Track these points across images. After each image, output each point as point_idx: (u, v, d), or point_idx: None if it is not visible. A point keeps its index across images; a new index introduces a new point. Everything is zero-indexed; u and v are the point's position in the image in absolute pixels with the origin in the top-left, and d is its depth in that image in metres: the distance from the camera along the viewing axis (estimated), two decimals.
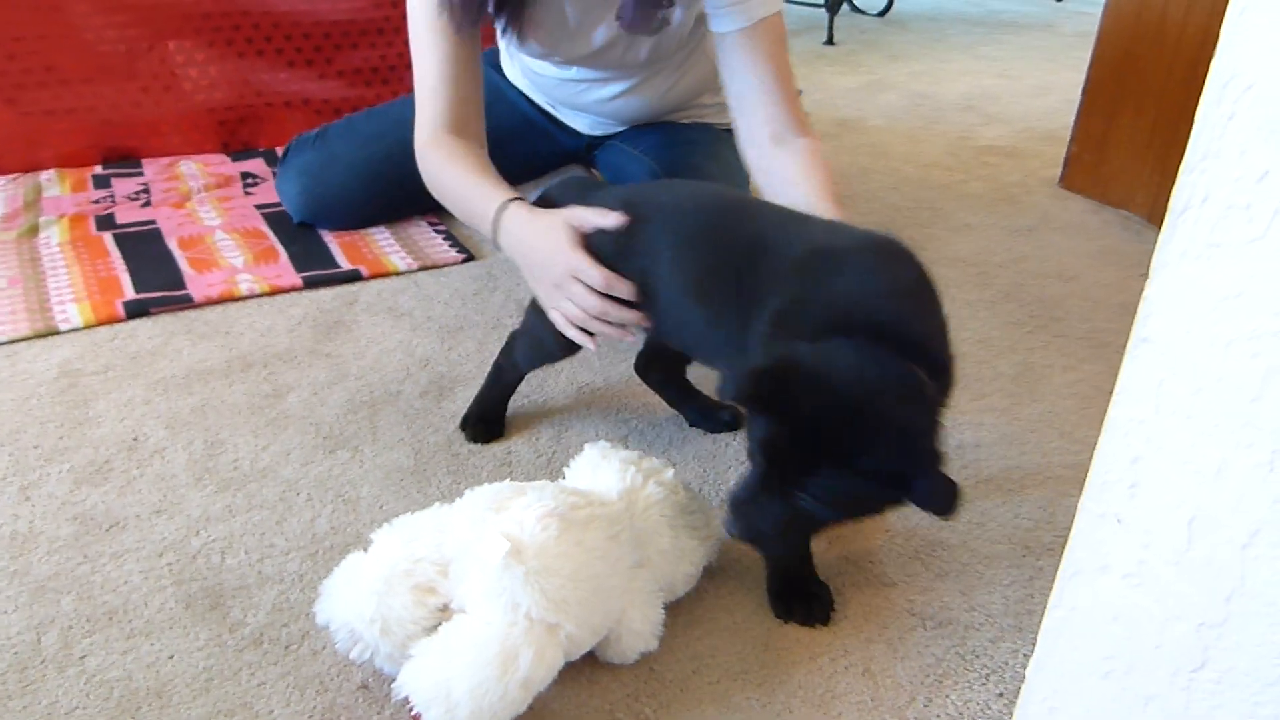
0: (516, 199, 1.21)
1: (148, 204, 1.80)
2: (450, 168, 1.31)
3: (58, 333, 1.41)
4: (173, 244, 1.65)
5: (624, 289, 1.05)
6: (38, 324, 1.40)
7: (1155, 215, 2.00)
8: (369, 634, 0.84)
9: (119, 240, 1.64)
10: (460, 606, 0.84)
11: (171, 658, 0.92)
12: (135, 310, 1.45)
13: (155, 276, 1.54)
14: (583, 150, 1.78)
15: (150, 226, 1.70)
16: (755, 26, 1.28)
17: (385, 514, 1.11)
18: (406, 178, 1.70)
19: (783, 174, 1.24)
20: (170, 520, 1.09)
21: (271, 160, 2.01)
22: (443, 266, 1.66)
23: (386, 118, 1.75)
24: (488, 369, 1.36)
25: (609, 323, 1.08)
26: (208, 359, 1.38)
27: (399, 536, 0.88)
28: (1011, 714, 0.91)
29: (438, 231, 1.76)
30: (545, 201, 1.19)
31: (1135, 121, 2.03)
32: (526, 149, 1.76)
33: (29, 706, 0.86)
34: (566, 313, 1.10)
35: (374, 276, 1.61)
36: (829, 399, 0.80)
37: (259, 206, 1.81)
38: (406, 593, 0.84)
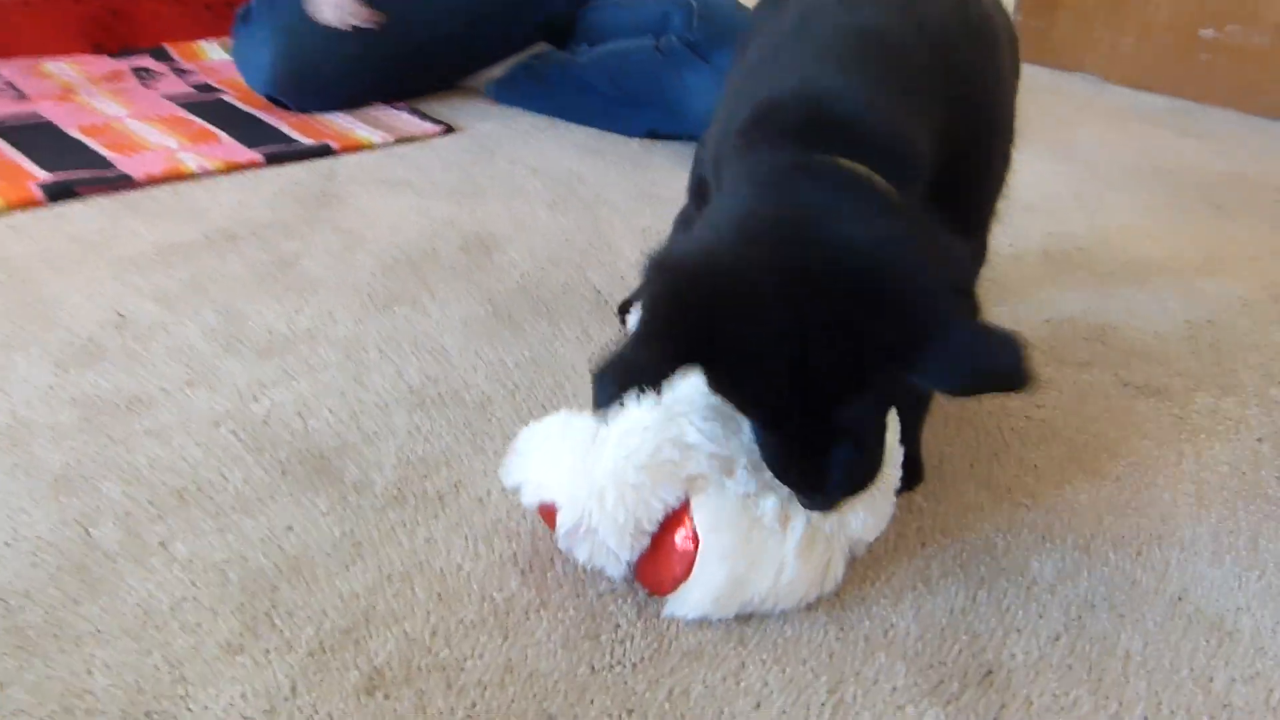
0: None
1: (23, 96, 1.44)
2: None
3: None
4: (74, 131, 1.31)
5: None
6: None
7: (1109, 73, 1.98)
8: (614, 537, 0.60)
9: (1, 132, 1.30)
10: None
11: (290, 529, 0.66)
12: (58, 192, 1.13)
13: (68, 159, 1.21)
14: (565, 9, 1.58)
15: (36, 119, 1.35)
16: None
17: (484, 360, 0.88)
18: (413, 39, 1.51)
19: None
20: (211, 391, 0.81)
21: (162, 56, 1.68)
22: (421, 139, 1.40)
23: None
24: (524, 228, 1.15)
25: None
26: (178, 235, 1.08)
27: (655, 412, 0.61)
28: None
29: (401, 109, 1.50)
30: None
31: None
32: (500, 29, 1.59)
33: (112, 605, 0.59)
34: None
35: (345, 150, 1.34)
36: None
37: (168, 97, 1.49)
38: (672, 488, 0.60)
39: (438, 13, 1.53)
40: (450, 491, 0.71)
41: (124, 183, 1.17)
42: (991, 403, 0.85)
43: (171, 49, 1.71)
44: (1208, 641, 0.60)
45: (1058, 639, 0.60)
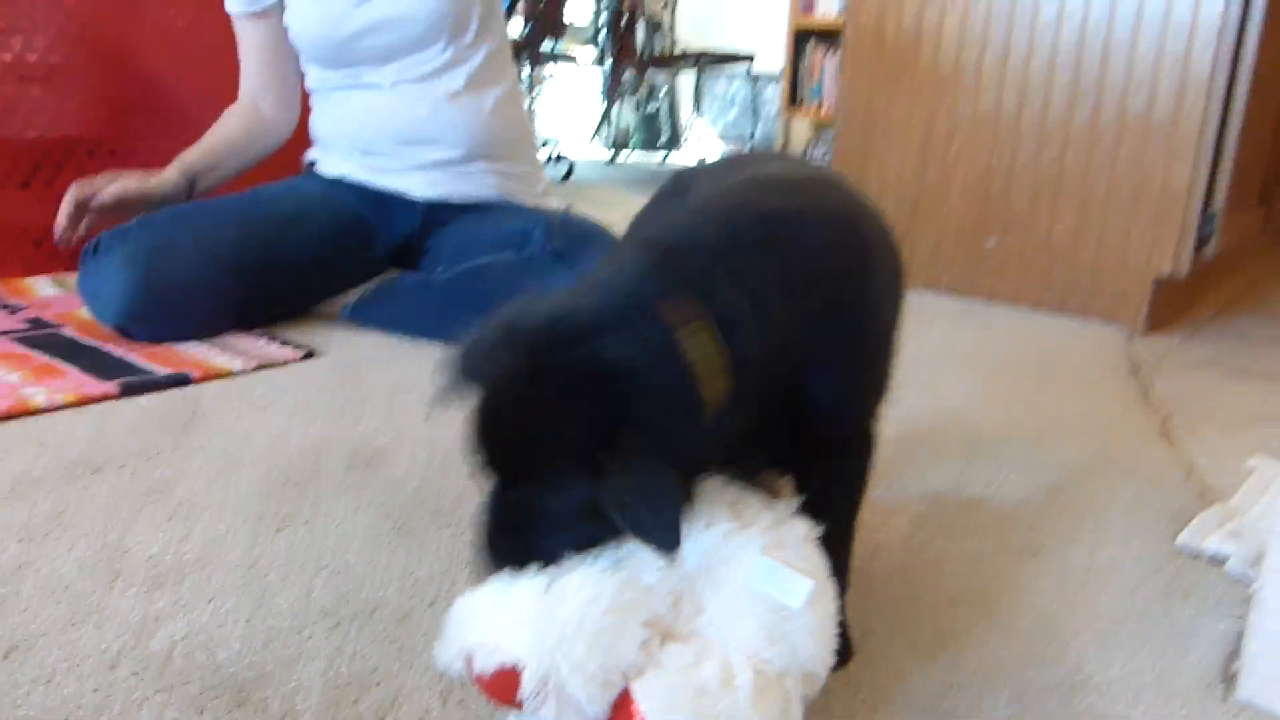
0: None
1: None
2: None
3: None
4: None
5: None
6: None
7: (911, 278, 2.21)
8: (582, 690, 0.58)
9: None
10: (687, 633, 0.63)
11: None
12: None
13: None
14: (415, 234, 1.64)
15: None
16: None
17: (393, 574, 0.85)
18: (284, 260, 1.56)
19: None
20: (99, 630, 0.74)
21: None
22: (283, 364, 1.38)
23: (238, 201, 1.57)
24: (406, 442, 1.15)
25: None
26: (33, 469, 1.01)
27: (601, 561, 0.63)
28: None
29: (258, 335, 1.48)
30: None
31: (880, 203, 2.24)
32: (352, 257, 1.67)
33: None
34: None
35: (206, 378, 1.30)
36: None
37: (2, 333, 1.41)
38: (638, 630, 0.60)
39: (289, 240, 1.57)
40: (388, 709, 0.67)
41: None
42: (899, 575, 0.89)
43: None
44: None
45: None
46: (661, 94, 5.70)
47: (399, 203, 1.65)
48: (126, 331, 1.41)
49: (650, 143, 5.70)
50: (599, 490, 0.58)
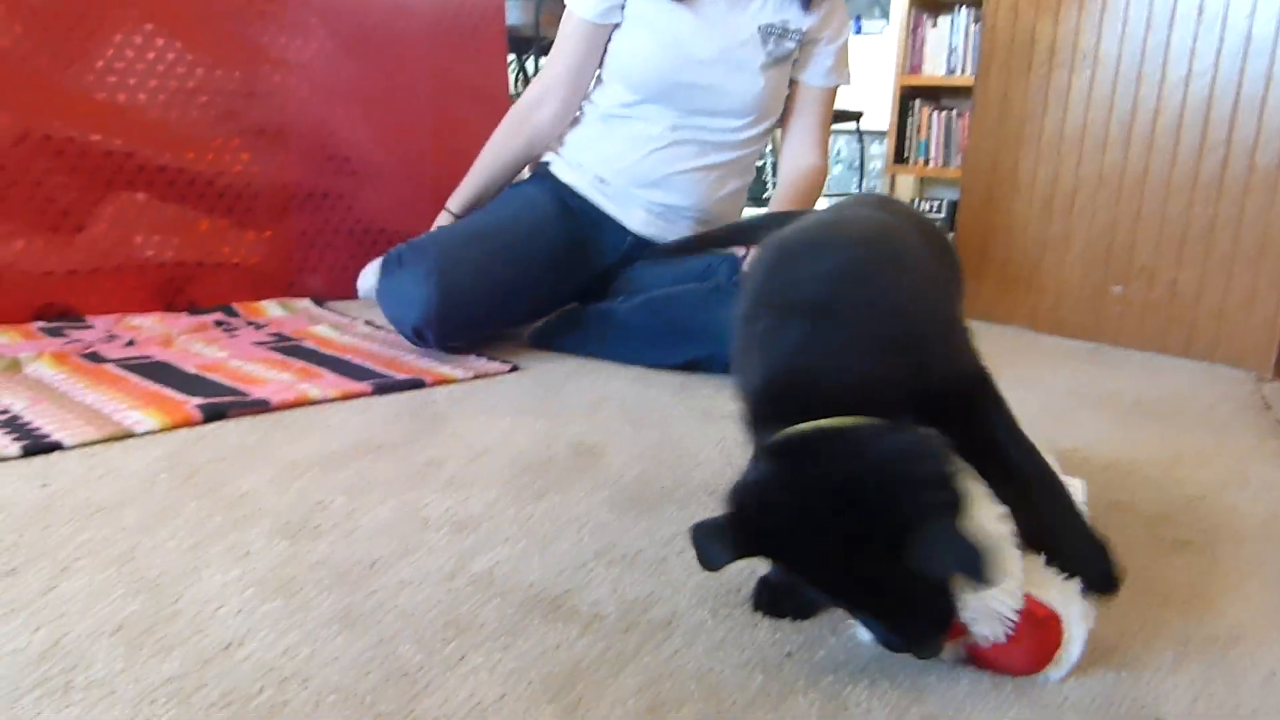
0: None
1: (131, 343, 1.59)
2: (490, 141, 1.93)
3: (133, 435, 1.19)
4: (192, 369, 1.46)
5: None
6: (106, 428, 1.18)
7: (1035, 324, 2.34)
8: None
9: (129, 369, 1.43)
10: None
11: (558, 647, 0.79)
12: (212, 413, 1.27)
13: (202, 390, 1.35)
14: (617, 263, 1.85)
15: (150, 360, 1.50)
16: (831, 89, 1.92)
17: (643, 531, 1.04)
18: (529, 273, 1.77)
19: (783, 178, 1.91)
20: (431, 555, 0.94)
21: (231, 313, 1.86)
22: (495, 376, 1.60)
23: (497, 220, 1.79)
24: (617, 441, 1.33)
25: None
26: (327, 446, 1.23)
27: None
28: None
29: (468, 353, 1.70)
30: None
31: (1005, 254, 2.41)
32: (573, 276, 1.85)
33: (446, 700, 0.70)
34: None
35: (435, 383, 1.52)
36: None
37: (257, 344, 1.66)
38: None
39: (534, 259, 1.77)
40: (672, 618, 0.85)
41: (263, 406, 1.32)
42: None
43: (238, 307, 1.90)
44: None
45: None
46: (768, 150, 5.93)
47: (614, 228, 1.83)
48: (422, 336, 1.65)
49: (756, 195, 5.92)
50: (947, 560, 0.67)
